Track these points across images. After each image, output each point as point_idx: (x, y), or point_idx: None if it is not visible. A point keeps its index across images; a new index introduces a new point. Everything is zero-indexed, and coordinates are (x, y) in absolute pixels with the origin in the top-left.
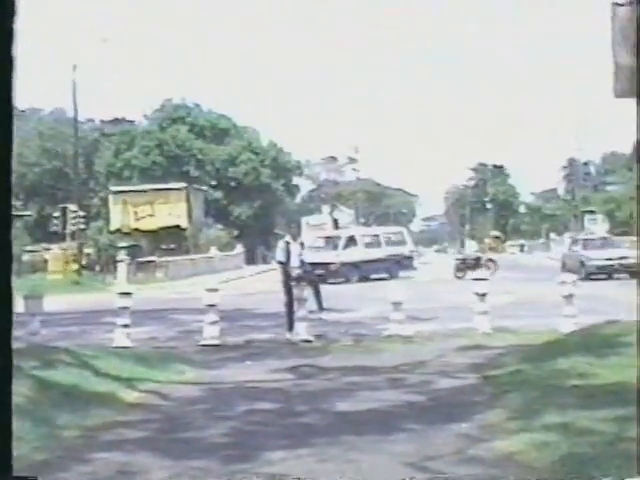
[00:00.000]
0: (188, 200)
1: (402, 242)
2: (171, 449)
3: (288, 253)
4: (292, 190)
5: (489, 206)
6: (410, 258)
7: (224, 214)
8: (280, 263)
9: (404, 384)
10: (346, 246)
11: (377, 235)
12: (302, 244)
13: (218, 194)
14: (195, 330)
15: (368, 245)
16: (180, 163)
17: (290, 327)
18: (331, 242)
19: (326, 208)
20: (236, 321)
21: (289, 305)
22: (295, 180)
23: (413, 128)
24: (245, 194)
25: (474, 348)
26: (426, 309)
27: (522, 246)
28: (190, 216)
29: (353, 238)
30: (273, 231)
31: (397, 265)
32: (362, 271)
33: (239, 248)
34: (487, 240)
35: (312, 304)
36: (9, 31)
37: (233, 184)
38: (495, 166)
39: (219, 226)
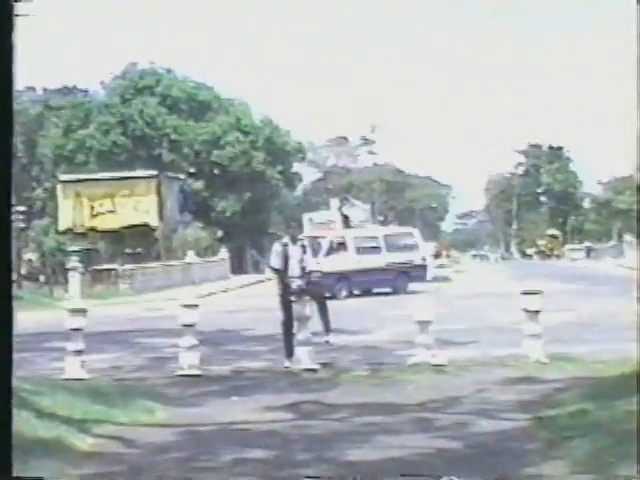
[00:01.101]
0: (159, 192)
1: (412, 247)
2: None
3: (286, 259)
4: (292, 179)
5: (543, 199)
6: (422, 267)
7: (205, 209)
8: (276, 271)
9: (434, 426)
10: (332, 251)
11: (375, 237)
12: (304, 247)
13: (198, 184)
14: (169, 357)
15: (362, 250)
16: (149, 145)
17: (289, 353)
18: (317, 245)
19: (335, 202)
20: (221, 345)
21: (288, 325)
22: (296, 167)
23: (445, 101)
24: (232, 184)
25: (524, 381)
26: (462, 330)
27: (589, 250)
28: (162, 212)
29: (343, 241)
30: (267, 231)
31: (404, 276)
32: (354, 284)
33: (224, 253)
34: (541, 242)
35: (317, 324)
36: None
37: (217, 171)
38: (552, 148)
39: (199, 225)
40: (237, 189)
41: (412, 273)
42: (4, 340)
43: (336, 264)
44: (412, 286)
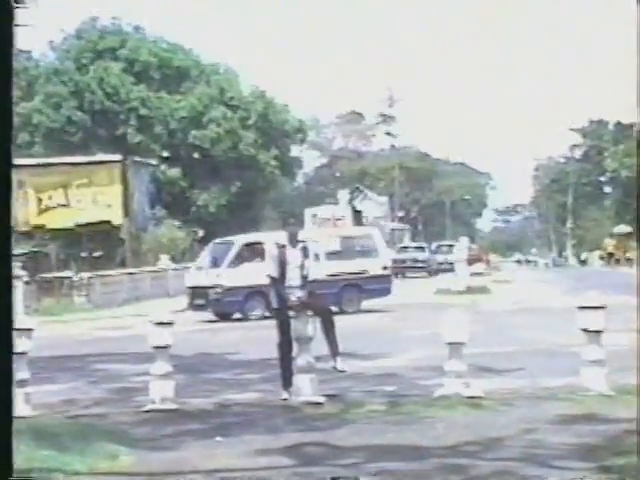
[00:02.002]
0: (124, 181)
1: (370, 251)
2: None
3: (283, 264)
4: (290, 166)
5: (608, 189)
6: (385, 278)
7: (183, 203)
8: (270, 280)
9: (469, 476)
10: (242, 259)
11: (304, 241)
12: (305, 250)
13: (173, 172)
14: (137, 388)
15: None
16: (111, 122)
17: (287, 382)
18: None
19: (344, 194)
20: (201, 373)
21: (285, 347)
22: (295, 150)
23: (482, 68)
24: (216, 172)
25: (583, 419)
26: (503, 354)
27: None
28: (127, 206)
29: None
30: (260, 230)
31: (353, 290)
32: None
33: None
34: (608, 241)
35: (321, 346)
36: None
37: (197, 156)
38: (619, 125)
39: (175, 222)
40: (222, 178)
41: (367, 286)
42: (4, 338)
43: (241, 276)
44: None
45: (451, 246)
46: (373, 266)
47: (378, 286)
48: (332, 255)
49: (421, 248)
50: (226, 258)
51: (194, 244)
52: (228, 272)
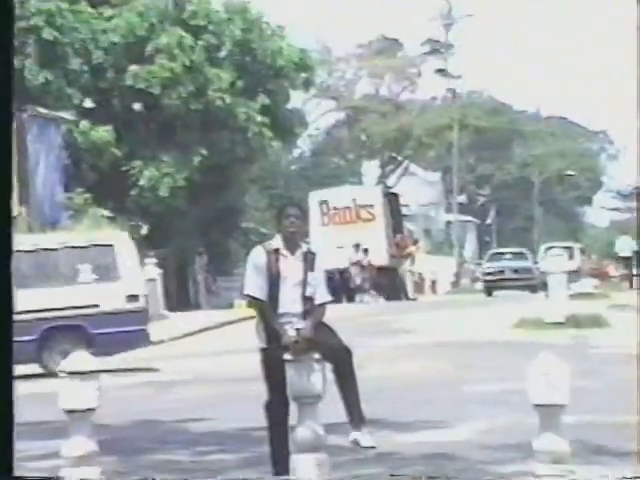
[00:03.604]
0: (20, 146)
1: (107, 272)
2: None
3: (274, 280)
4: (287, 124)
5: None
6: (133, 317)
7: (116, 182)
8: (255, 303)
9: None
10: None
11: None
12: (310, 257)
13: (101, 132)
14: (42, 469)
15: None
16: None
17: (281, 467)
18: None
19: (372, 168)
20: (144, 451)
21: (277, 411)
22: (296, 99)
23: None
24: (168, 133)
25: None
26: (628, 426)
27: None
28: (25, 188)
29: None
30: (238, 225)
31: (72, 338)
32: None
33: (152, 268)
34: None
35: (335, 408)
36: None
37: (138, 107)
38: None
39: (103, 212)
40: (179, 143)
41: (95, 330)
42: (4, 345)
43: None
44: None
45: (567, 248)
46: (109, 296)
47: (118, 330)
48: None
49: (520, 254)
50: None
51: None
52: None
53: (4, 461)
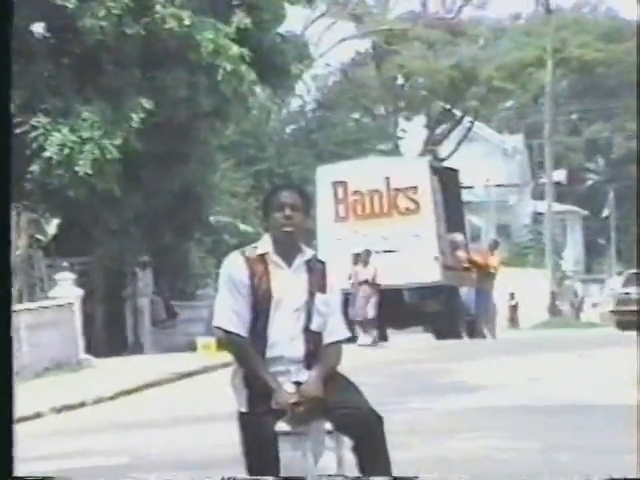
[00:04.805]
0: None
1: None
2: None
3: (260, 304)
4: (276, 55)
5: None
6: None
7: (2, 152)
8: (228, 337)
9: None
10: None
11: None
12: (319, 265)
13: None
14: None
15: None
16: None
17: None
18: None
19: (412, 126)
20: None
21: None
22: (294, 17)
23: None
24: (88, 75)
25: None
26: None
27: None
28: None
29: None
30: (203, 219)
31: None
32: None
33: (66, 286)
34: None
35: None
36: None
37: (39, 31)
38: None
39: None
40: (108, 91)
41: None
42: (4, 345)
43: None
44: None
45: None
46: None
47: None
48: None
49: None
50: None
51: (36, 254)
52: None
53: (5, 461)
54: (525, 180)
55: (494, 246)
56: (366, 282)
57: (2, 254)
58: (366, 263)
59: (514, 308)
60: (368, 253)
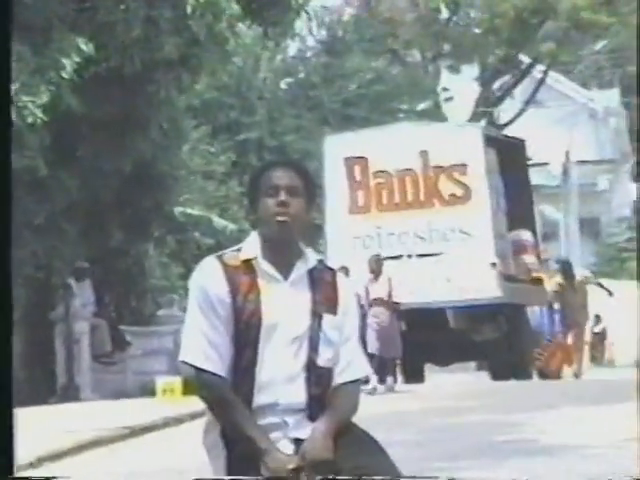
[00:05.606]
0: None
1: None
2: None
3: (245, 330)
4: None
5: None
6: None
7: None
8: (199, 377)
9: None
10: None
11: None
12: (327, 273)
13: None
14: None
15: None
16: None
17: None
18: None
19: (460, 79)
20: None
21: None
22: None
23: None
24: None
25: None
26: None
27: None
28: None
29: None
30: (163, 209)
31: None
32: None
33: None
34: None
35: None
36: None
37: None
38: None
39: None
40: (31, 28)
41: None
42: (4, 346)
43: None
44: None
45: None
46: None
47: None
48: None
49: None
50: None
51: None
52: None
53: (5, 461)
54: (622, 154)
55: (566, 272)
56: (378, 301)
57: (2, 254)
58: (377, 274)
59: (600, 336)
60: (378, 260)
